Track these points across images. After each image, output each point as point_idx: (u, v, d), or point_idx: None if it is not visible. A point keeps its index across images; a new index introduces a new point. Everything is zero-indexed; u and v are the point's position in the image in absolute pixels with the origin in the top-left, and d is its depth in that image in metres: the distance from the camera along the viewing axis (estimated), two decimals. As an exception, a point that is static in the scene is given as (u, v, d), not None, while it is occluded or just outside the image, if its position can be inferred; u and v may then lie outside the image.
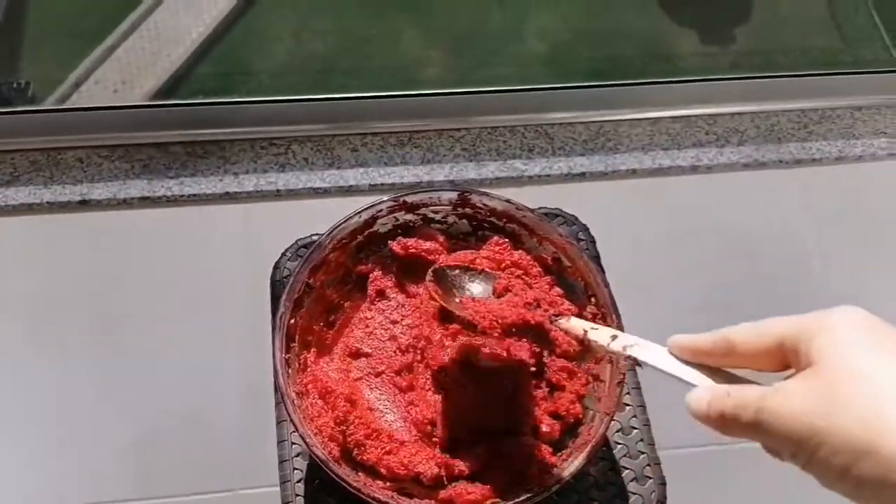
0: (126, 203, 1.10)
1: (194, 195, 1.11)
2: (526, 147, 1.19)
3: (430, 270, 0.49)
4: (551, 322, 0.43)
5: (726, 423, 0.29)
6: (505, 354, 0.45)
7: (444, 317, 0.48)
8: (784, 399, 0.27)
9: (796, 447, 0.27)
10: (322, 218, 0.60)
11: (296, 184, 1.13)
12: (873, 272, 1.13)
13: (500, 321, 0.43)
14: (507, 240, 0.57)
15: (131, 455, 0.95)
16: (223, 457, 0.95)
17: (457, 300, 0.47)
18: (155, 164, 1.13)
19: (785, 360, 0.29)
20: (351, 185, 1.13)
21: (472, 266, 0.51)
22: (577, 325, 0.42)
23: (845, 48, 1.48)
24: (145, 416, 0.97)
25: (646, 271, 1.10)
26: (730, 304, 1.09)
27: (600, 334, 0.40)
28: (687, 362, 0.32)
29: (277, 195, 1.12)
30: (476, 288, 0.48)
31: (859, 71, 1.25)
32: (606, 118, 1.21)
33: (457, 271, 0.50)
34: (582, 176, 1.16)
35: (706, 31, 1.55)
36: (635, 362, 0.36)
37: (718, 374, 0.31)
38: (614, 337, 0.39)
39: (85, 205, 1.09)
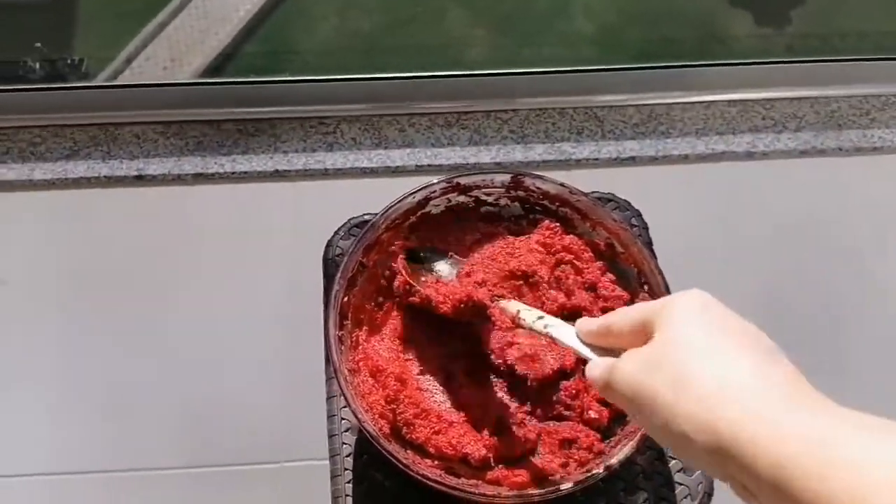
0: (180, 179, 1.13)
1: (245, 172, 1.13)
2: (575, 130, 1.17)
3: (403, 251, 0.55)
4: (492, 301, 0.50)
5: (602, 388, 0.34)
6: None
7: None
8: (624, 363, 0.32)
9: (629, 406, 0.32)
10: (370, 198, 0.61)
11: (343, 163, 1.14)
12: (934, 266, 1.10)
13: (450, 297, 0.50)
14: (558, 224, 0.56)
15: (181, 426, 0.98)
16: (270, 430, 0.97)
17: (423, 279, 0.53)
18: (208, 141, 1.16)
19: (648, 337, 0.33)
20: (398, 166, 1.14)
21: (440, 249, 0.56)
22: (513, 306, 0.47)
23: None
24: (196, 389, 1.00)
25: (697, 259, 1.08)
26: (782, 293, 1.07)
27: (530, 314, 0.45)
28: (588, 344, 0.38)
29: (325, 174, 1.13)
30: (444, 270, 0.54)
31: (927, 56, 1.19)
32: (658, 101, 1.18)
33: (428, 253, 0.55)
34: (632, 160, 1.14)
35: (761, 11, 1.50)
36: (551, 339, 0.42)
37: (614, 352, 0.35)
38: (541, 318, 0.44)
39: (141, 180, 1.12)
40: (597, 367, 0.35)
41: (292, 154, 1.15)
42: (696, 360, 0.29)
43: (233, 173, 1.13)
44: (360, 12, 1.54)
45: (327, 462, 0.54)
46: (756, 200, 1.13)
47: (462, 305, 0.50)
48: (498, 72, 1.20)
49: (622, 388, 0.32)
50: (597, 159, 1.14)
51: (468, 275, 0.53)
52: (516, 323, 0.46)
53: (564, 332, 0.40)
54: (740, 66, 1.21)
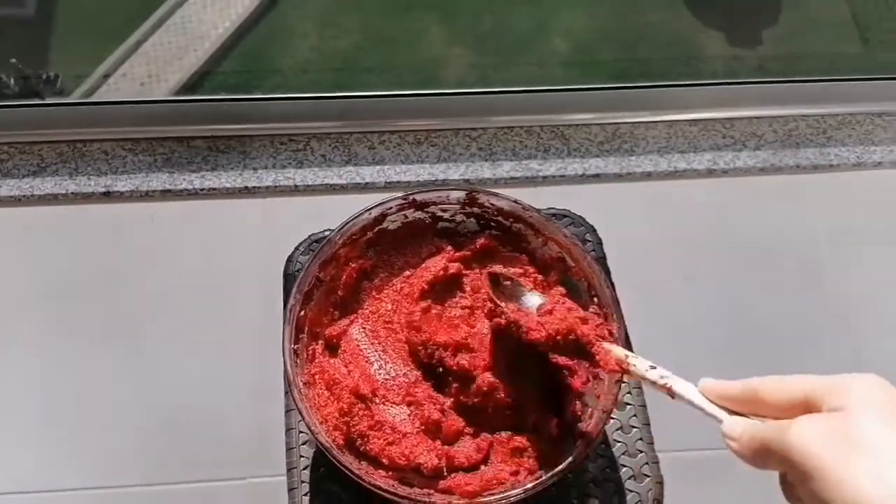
0: (148, 195, 1.13)
1: (214, 189, 1.13)
2: (542, 147, 1.19)
3: (485, 272, 0.54)
4: (596, 339, 0.47)
5: (757, 449, 0.33)
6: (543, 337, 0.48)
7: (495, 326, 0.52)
8: (806, 427, 0.31)
9: (791, 468, 0.31)
10: (338, 214, 0.62)
11: (313, 180, 1.15)
12: (890, 281, 1.13)
13: (547, 326, 0.48)
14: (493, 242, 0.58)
15: (146, 442, 0.97)
16: (236, 446, 0.97)
17: (503, 305, 0.51)
18: (177, 157, 1.16)
19: (807, 413, 0.33)
20: (367, 182, 1.15)
21: (522, 283, 0.54)
22: (619, 351, 0.46)
23: (868, 53, 1.47)
24: (161, 405, 0.99)
25: (657, 274, 1.10)
26: (740, 310, 1.09)
27: (639, 362, 0.44)
28: (712, 402, 0.36)
29: (295, 190, 1.14)
30: (529, 300, 0.52)
31: (881, 77, 1.23)
32: (623, 120, 1.21)
33: (509, 282, 0.53)
34: (597, 177, 1.17)
35: (732, 33, 1.54)
36: (671, 393, 0.40)
37: (744, 416, 0.35)
38: (653, 367, 0.43)
39: (108, 196, 1.12)
40: (739, 422, 0.34)
41: (262, 170, 1.16)
42: (883, 473, 0.29)
43: (201, 189, 1.13)
44: (340, 31, 1.56)
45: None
46: (717, 217, 1.16)
47: (559, 338, 0.47)
48: (467, 91, 1.23)
49: (796, 453, 0.31)
50: (563, 176, 1.17)
51: (550, 312, 0.50)
52: (623, 368, 0.44)
53: (686, 387, 0.39)
54: (703, 87, 1.25)
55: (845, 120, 1.24)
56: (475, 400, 0.51)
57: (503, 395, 0.51)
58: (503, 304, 0.51)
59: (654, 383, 0.42)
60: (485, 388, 0.51)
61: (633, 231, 1.11)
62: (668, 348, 0.96)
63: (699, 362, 1.00)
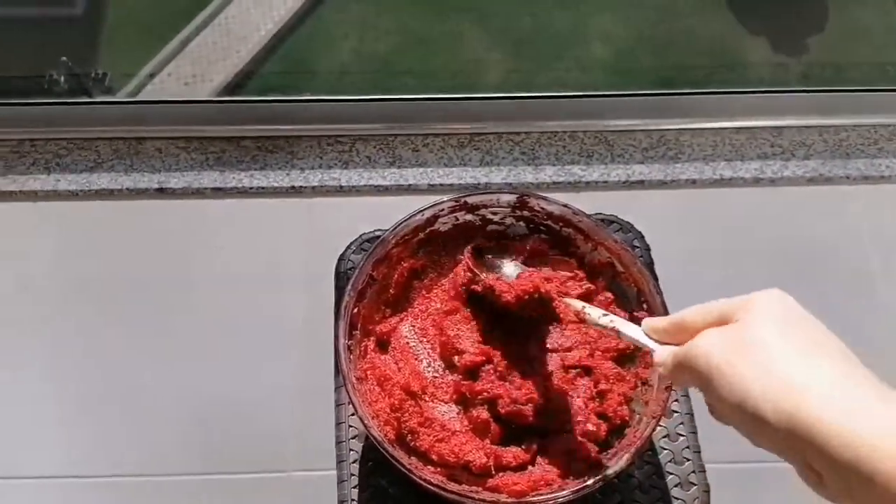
0: (199, 192, 1.16)
1: (262, 188, 1.16)
2: (585, 153, 1.20)
3: (469, 246, 0.57)
4: (558, 295, 0.52)
5: (674, 367, 0.37)
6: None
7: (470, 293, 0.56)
8: (704, 339, 0.35)
9: (701, 380, 0.35)
10: (382, 214, 0.63)
11: (358, 181, 1.17)
12: (941, 295, 1.10)
13: (516, 287, 0.53)
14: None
15: (190, 434, 1.00)
16: (279, 440, 0.99)
17: (484, 274, 0.55)
18: (227, 156, 1.19)
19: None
20: (410, 184, 1.17)
21: (504, 251, 0.59)
22: (577, 303, 0.50)
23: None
24: (208, 397, 1.02)
25: (701, 283, 1.09)
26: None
27: (594, 311, 0.48)
28: (652, 338, 0.41)
29: (340, 191, 1.17)
30: (507, 269, 0.57)
31: (936, 87, 1.21)
32: (668, 127, 1.21)
33: (490, 256, 0.58)
34: (640, 184, 1.17)
35: (778, 40, 1.52)
36: (616, 333, 0.46)
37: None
38: (605, 314, 0.47)
39: (162, 192, 1.16)
40: (666, 349, 0.38)
41: (308, 171, 1.18)
42: (780, 349, 0.33)
43: (250, 188, 1.16)
44: (379, 33, 1.58)
45: (334, 472, 0.56)
46: (763, 227, 1.15)
47: (527, 297, 0.51)
48: (511, 95, 1.23)
49: (699, 362, 0.35)
50: (605, 182, 1.16)
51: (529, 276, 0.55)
52: (580, 318, 0.49)
53: (630, 328, 0.44)
54: (750, 94, 1.23)
55: (898, 131, 1.21)
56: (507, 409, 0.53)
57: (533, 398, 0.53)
58: (482, 274, 0.55)
59: (604, 327, 0.47)
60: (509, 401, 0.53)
61: (676, 239, 1.11)
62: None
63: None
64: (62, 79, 1.35)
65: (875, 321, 1.08)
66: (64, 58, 1.36)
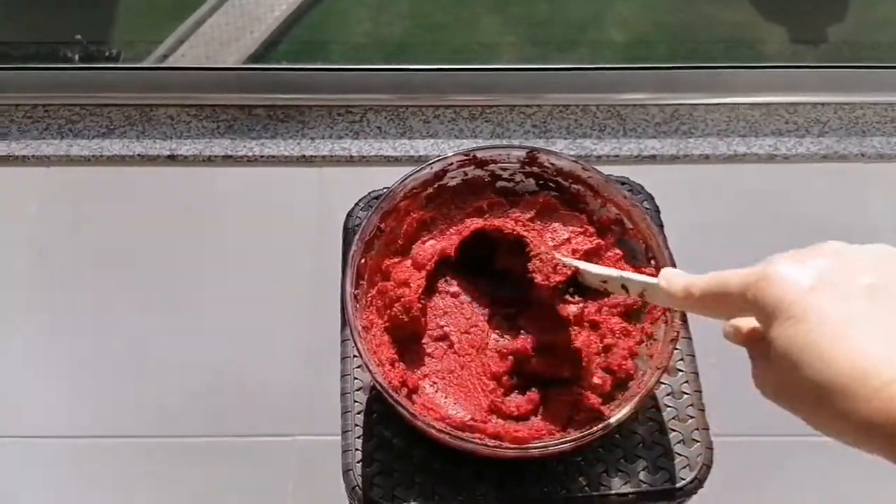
0: (210, 160, 1.16)
1: (273, 156, 1.16)
2: (597, 126, 1.19)
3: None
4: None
5: (714, 292, 0.34)
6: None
7: None
8: (786, 268, 0.31)
9: (766, 326, 0.30)
10: (391, 183, 0.63)
11: (368, 151, 1.17)
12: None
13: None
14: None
15: (202, 396, 1.01)
16: (285, 404, 1.00)
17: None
18: (239, 125, 1.19)
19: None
20: (421, 155, 1.16)
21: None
22: (578, 263, 0.51)
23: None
24: (217, 361, 1.03)
25: (711, 258, 1.08)
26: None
27: (592, 267, 0.50)
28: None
29: (350, 160, 1.17)
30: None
31: (956, 65, 1.19)
32: (682, 101, 1.20)
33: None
34: (652, 158, 1.16)
35: (796, 28, 1.50)
36: (619, 282, 0.46)
37: None
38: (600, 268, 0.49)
39: (172, 159, 1.16)
40: (679, 273, 0.36)
41: (319, 140, 1.18)
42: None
43: (261, 156, 1.16)
44: (393, 17, 1.57)
45: (339, 438, 0.56)
46: (776, 203, 1.14)
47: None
48: (524, 66, 1.23)
49: (779, 295, 0.29)
50: (617, 156, 1.16)
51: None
52: (579, 274, 0.50)
53: (621, 272, 0.46)
54: (765, 70, 1.22)
55: (915, 109, 1.19)
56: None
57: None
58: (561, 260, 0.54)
59: (606, 277, 0.47)
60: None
61: (688, 214, 1.10)
62: (718, 332, 0.95)
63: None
64: (76, 56, 1.36)
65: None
66: (78, 36, 1.37)
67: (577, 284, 0.51)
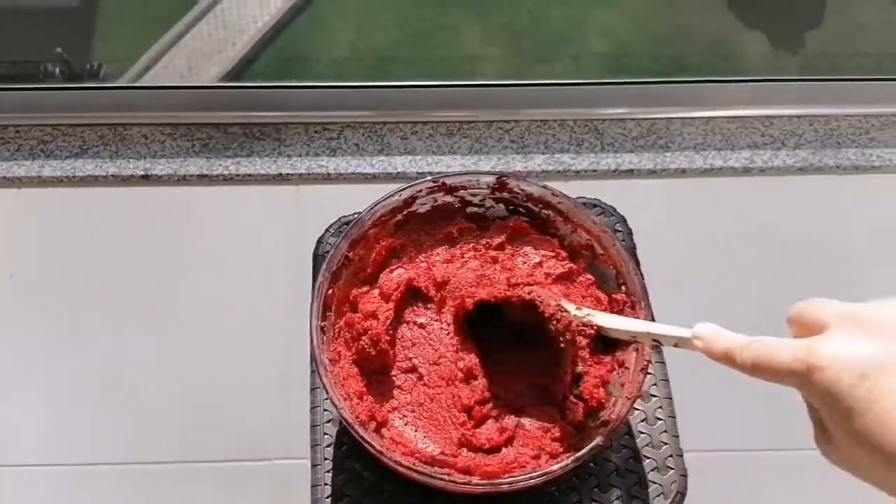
0: (185, 179, 1.15)
1: (249, 175, 1.15)
2: (574, 141, 1.19)
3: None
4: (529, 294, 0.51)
5: (763, 364, 0.32)
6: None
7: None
8: (844, 344, 0.29)
9: (829, 403, 0.29)
10: (369, 201, 0.62)
11: (346, 168, 1.16)
12: (931, 285, 1.10)
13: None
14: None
15: (170, 420, 0.99)
16: (261, 428, 0.98)
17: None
18: (214, 143, 1.18)
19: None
20: (399, 172, 1.16)
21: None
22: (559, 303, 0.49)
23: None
24: (191, 383, 1.01)
25: (689, 272, 1.09)
26: (775, 310, 1.07)
27: (570, 306, 0.48)
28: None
29: (328, 178, 1.15)
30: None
31: (928, 77, 1.20)
32: (659, 115, 1.20)
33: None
34: (630, 173, 1.16)
35: (774, 33, 1.51)
36: (593, 327, 0.45)
37: None
38: (580, 308, 0.47)
39: (147, 179, 1.15)
40: (718, 330, 0.34)
41: (296, 158, 1.17)
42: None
43: (237, 175, 1.15)
44: (377, 27, 1.57)
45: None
46: (752, 216, 1.14)
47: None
48: (501, 83, 1.22)
49: (838, 378, 0.28)
50: (595, 171, 1.16)
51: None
52: (561, 310, 0.48)
53: (610, 319, 0.43)
54: (741, 83, 1.22)
55: (889, 121, 1.20)
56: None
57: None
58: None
59: (581, 318, 0.46)
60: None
61: (665, 228, 1.10)
62: (693, 355, 0.95)
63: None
64: (57, 70, 1.34)
65: (864, 311, 1.07)
66: (59, 49, 1.35)
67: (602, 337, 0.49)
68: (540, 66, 1.49)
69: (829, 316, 0.30)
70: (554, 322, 0.49)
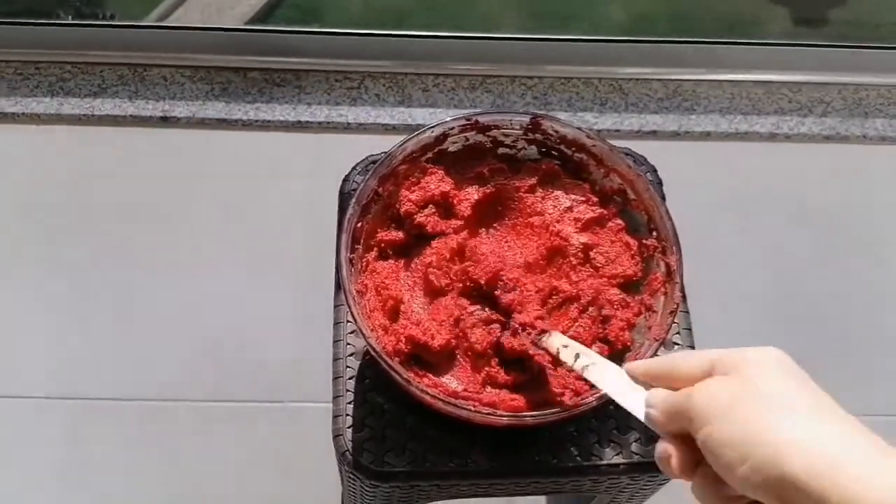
0: (204, 123, 1.14)
1: (268, 121, 1.14)
2: (598, 100, 1.17)
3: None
4: (534, 344, 0.50)
5: (670, 412, 0.36)
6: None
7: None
8: (711, 385, 0.35)
9: (697, 422, 0.34)
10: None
11: (366, 118, 1.15)
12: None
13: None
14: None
15: (194, 360, 1.00)
16: (275, 370, 0.99)
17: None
18: (234, 88, 1.17)
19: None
20: (419, 124, 1.14)
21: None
22: (555, 341, 0.48)
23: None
24: (210, 325, 1.02)
25: (710, 235, 1.08)
26: (794, 276, 1.07)
27: (568, 353, 0.46)
28: (640, 383, 0.39)
29: (347, 128, 1.15)
30: None
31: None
32: (685, 77, 1.18)
33: None
34: (653, 134, 1.14)
35: (799, 6, 1.47)
36: (589, 381, 0.43)
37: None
38: (577, 356, 0.45)
39: (165, 121, 1.14)
40: (659, 393, 0.37)
41: (316, 106, 1.16)
42: (791, 405, 0.33)
43: (256, 121, 1.14)
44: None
45: (331, 405, 0.56)
46: (776, 182, 1.13)
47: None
48: (526, 37, 1.20)
49: (704, 404, 0.34)
50: (618, 130, 1.14)
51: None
52: (557, 361, 0.47)
53: (604, 376, 0.41)
54: (770, 47, 1.20)
55: (920, 92, 1.18)
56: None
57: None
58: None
59: (579, 374, 0.44)
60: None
61: (687, 191, 1.09)
62: (716, 309, 0.95)
63: (746, 325, 0.98)
64: (70, 19, 1.32)
65: (881, 281, 1.07)
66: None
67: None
68: (560, 29, 1.46)
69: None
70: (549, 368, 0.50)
